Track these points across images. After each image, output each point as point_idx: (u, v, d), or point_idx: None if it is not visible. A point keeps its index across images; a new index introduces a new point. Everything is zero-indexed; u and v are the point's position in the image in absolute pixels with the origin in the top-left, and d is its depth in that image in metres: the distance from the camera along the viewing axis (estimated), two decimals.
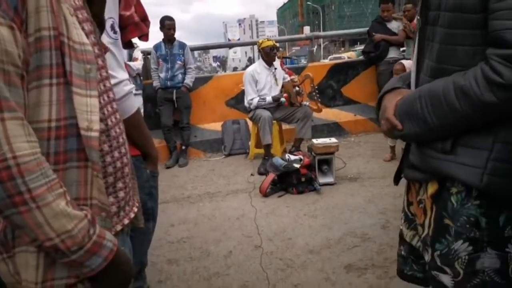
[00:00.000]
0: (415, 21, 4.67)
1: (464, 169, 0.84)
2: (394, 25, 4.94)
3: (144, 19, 1.38)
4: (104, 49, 0.89)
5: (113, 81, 1.04)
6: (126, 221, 0.88)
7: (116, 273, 0.77)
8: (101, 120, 0.78)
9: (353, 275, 2.19)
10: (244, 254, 2.52)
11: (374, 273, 2.19)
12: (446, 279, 0.90)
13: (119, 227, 0.85)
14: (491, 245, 0.86)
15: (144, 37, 1.40)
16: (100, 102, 0.78)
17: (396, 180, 1.13)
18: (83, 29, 0.76)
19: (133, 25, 1.28)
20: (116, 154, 0.83)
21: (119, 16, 1.19)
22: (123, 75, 1.14)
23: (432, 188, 0.93)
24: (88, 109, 0.73)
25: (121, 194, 0.86)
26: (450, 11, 0.84)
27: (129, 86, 1.17)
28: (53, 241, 0.67)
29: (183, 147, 4.75)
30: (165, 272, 2.37)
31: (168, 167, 4.54)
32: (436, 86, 0.85)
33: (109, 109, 0.84)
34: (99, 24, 0.89)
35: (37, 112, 0.70)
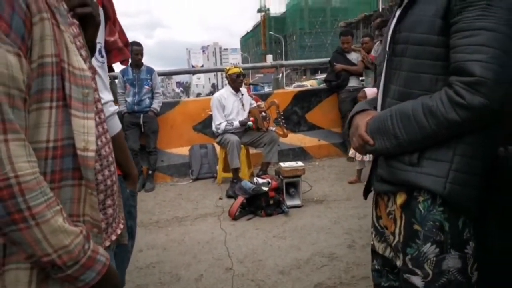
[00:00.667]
0: (372, 52, 5.02)
1: (429, 179, 0.96)
2: (353, 56, 5.27)
3: (126, 45, 1.44)
4: (93, 72, 0.94)
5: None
6: (113, 237, 0.91)
7: (108, 286, 0.79)
8: None
9: None
10: (215, 277, 2.52)
11: None
12: (417, 280, 1.00)
13: (107, 243, 0.88)
14: (454, 247, 0.98)
15: (126, 61, 1.46)
16: None
17: (365, 194, 1.23)
18: (81, 55, 0.82)
19: (117, 50, 1.34)
20: (106, 172, 0.87)
21: (104, 41, 1.24)
22: (108, 96, 1.19)
23: (400, 199, 1.04)
24: (85, 131, 0.78)
25: (110, 211, 0.89)
26: (417, 45, 0.99)
27: (114, 107, 1.23)
28: (51, 256, 0.69)
29: (150, 172, 4.70)
30: None
31: None
32: (406, 106, 0.99)
33: (100, 129, 0.88)
34: (91, 48, 0.95)
35: (37, 133, 0.74)
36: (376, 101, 1.15)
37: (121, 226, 0.97)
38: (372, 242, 1.25)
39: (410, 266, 1.01)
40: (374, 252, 1.24)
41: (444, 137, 0.95)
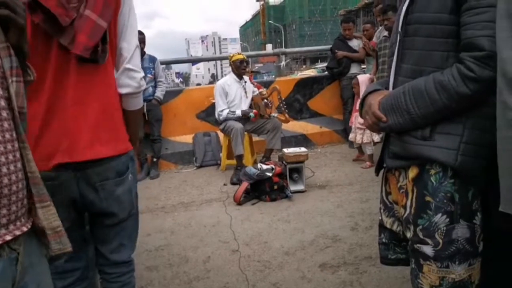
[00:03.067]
0: (374, 39, 5.04)
1: (441, 152, 1.02)
2: (355, 43, 5.28)
3: None
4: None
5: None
6: (7, 238, 0.84)
7: None
8: None
9: (327, 273, 2.33)
10: (223, 258, 2.59)
11: (347, 270, 2.34)
12: (427, 249, 1.06)
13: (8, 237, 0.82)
14: (463, 217, 1.03)
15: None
16: None
17: (377, 171, 1.29)
18: None
19: None
20: None
21: None
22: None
23: (412, 173, 1.09)
24: None
25: (4, 211, 0.83)
26: (429, 24, 1.05)
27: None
28: None
29: (154, 159, 4.76)
30: (145, 279, 2.40)
31: (138, 180, 4.52)
32: (418, 82, 1.04)
33: None
34: (20, 51, 0.84)
35: None
36: (387, 83, 1.20)
37: (24, 229, 0.89)
38: (380, 218, 1.30)
39: (421, 236, 1.06)
40: (381, 226, 1.30)
41: (454, 111, 1.00)
